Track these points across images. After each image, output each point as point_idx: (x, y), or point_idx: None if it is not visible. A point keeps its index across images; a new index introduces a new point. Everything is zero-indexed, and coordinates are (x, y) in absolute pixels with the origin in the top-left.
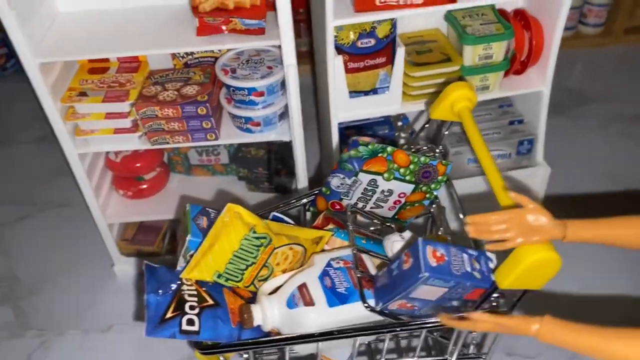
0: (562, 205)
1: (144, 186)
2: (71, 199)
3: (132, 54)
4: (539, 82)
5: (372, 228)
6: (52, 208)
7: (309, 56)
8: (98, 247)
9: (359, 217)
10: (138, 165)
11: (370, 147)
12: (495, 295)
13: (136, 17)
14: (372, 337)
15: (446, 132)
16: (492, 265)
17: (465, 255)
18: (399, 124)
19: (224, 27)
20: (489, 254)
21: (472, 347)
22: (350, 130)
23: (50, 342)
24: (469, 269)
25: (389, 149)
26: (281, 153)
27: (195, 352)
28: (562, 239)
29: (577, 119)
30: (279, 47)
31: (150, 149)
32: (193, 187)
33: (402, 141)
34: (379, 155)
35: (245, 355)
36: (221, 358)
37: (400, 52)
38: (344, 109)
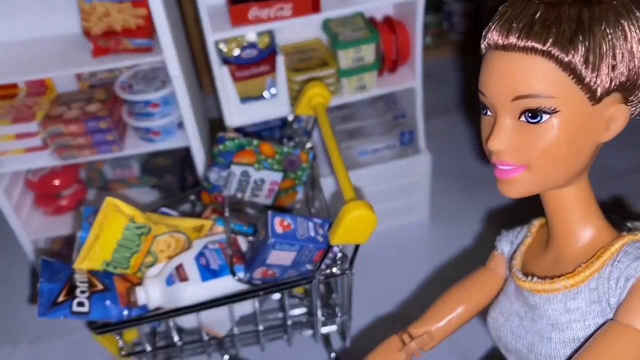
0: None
1: (64, 202)
2: None
3: (37, 77)
4: (410, 78)
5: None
6: None
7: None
8: (23, 265)
9: (250, 210)
10: (55, 182)
11: (236, 141)
12: (339, 255)
13: (37, 45)
14: (247, 306)
15: (313, 127)
16: None
17: (310, 223)
18: (295, 126)
19: (116, 48)
20: (332, 221)
21: (337, 307)
22: (252, 135)
23: None
24: (312, 234)
25: (255, 142)
26: (188, 161)
27: (92, 333)
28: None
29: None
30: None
31: (66, 167)
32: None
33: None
34: (247, 148)
35: (149, 348)
36: (119, 340)
37: (280, 60)
38: (237, 114)
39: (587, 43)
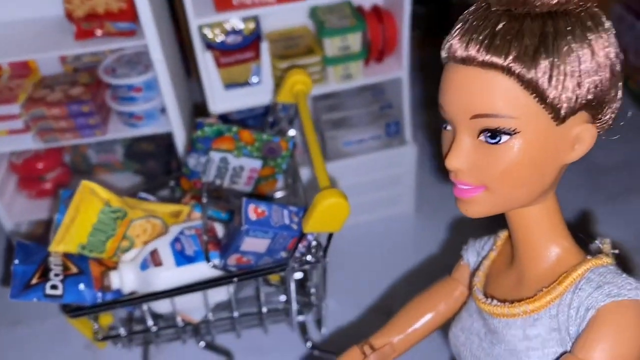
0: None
1: (47, 186)
2: None
3: (19, 59)
4: (397, 69)
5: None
6: None
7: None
8: (6, 249)
9: (229, 197)
10: (39, 166)
11: (215, 127)
12: (313, 244)
13: (19, 28)
14: (222, 293)
15: (295, 115)
16: None
17: (285, 211)
18: (281, 114)
19: (98, 31)
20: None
21: (312, 296)
22: (234, 122)
23: None
24: (287, 222)
25: (234, 128)
26: (170, 147)
27: (66, 317)
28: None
29: None
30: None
31: (50, 151)
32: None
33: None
34: (226, 134)
35: (123, 333)
36: (94, 324)
37: (265, 46)
38: (221, 100)
39: (550, 59)
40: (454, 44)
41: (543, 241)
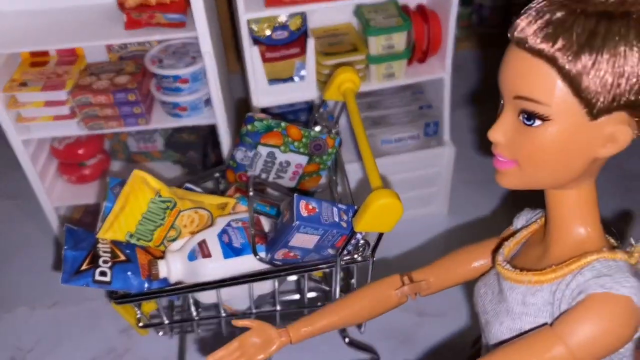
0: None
1: (87, 172)
2: (21, 192)
3: (69, 46)
4: (439, 69)
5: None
6: (2, 199)
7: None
8: (45, 231)
9: (271, 191)
10: (80, 152)
11: (265, 122)
12: (362, 242)
13: (70, 15)
14: (265, 286)
15: (340, 112)
16: None
17: (335, 209)
18: (320, 110)
19: (149, 21)
20: (356, 208)
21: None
22: (279, 117)
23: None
24: (337, 220)
25: (283, 124)
26: (212, 138)
27: (112, 303)
28: (290, 342)
29: None
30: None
31: (91, 137)
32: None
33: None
34: (275, 130)
35: (166, 321)
36: (138, 311)
37: (311, 43)
38: (264, 95)
39: (593, 56)
40: (514, 25)
41: (570, 224)
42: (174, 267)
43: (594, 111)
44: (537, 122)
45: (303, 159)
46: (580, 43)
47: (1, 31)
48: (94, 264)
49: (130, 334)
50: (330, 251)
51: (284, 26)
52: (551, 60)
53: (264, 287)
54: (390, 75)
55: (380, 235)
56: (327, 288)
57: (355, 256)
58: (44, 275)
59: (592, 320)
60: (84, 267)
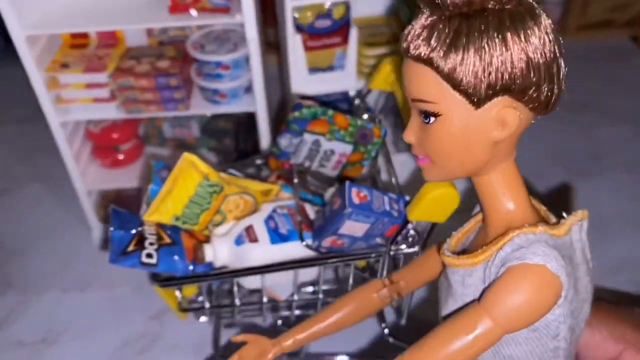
0: None
1: (121, 156)
2: (52, 175)
3: (112, 28)
4: None
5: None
6: (32, 182)
7: (277, 47)
8: (77, 215)
9: (311, 180)
10: (115, 135)
11: (312, 109)
12: (412, 233)
13: None
14: (310, 272)
15: (386, 102)
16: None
17: (385, 197)
18: (356, 101)
19: (193, 6)
20: (407, 197)
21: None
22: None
23: (30, 300)
24: (387, 208)
25: (330, 112)
26: (248, 126)
27: (154, 286)
28: (283, 351)
29: None
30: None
31: (127, 122)
32: (165, 159)
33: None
34: (321, 117)
35: (201, 298)
36: (178, 294)
37: (354, 33)
38: (303, 84)
39: (461, 53)
40: (401, 38)
41: (497, 206)
42: (220, 252)
43: (475, 100)
44: (432, 119)
45: (348, 148)
46: (447, 43)
47: (42, 12)
48: (141, 245)
49: (161, 320)
50: (378, 240)
51: (327, 14)
52: (428, 62)
53: (307, 274)
54: None
55: (433, 225)
56: (369, 277)
57: (404, 246)
58: (74, 260)
59: (511, 290)
60: (130, 248)
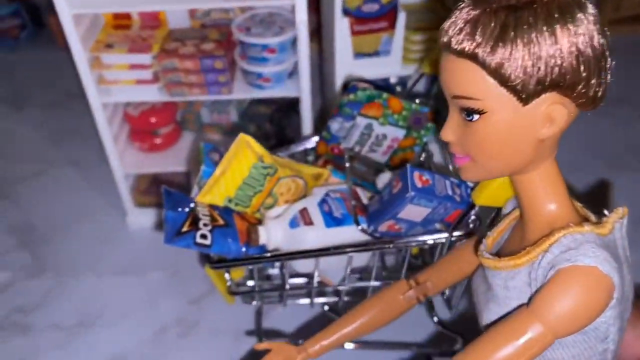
0: None
1: (159, 140)
2: (84, 159)
3: (157, 9)
4: None
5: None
6: (66, 166)
7: (317, 34)
8: (110, 199)
9: (357, 165)
10: (154, 119)
11: (367, 92)
12: (473, 217)
13: None
14: (361, 258)
15: (438, 87)
16: (470, 192)
17: (447, 182)
18: (398, 89)
19: None
20: (468, 183)
21: None
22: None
23: (65, 283)
24: (450, 193)
25: (384, 95)
26: (287, 112)
27: (205, 267)
28: (309, 357)
29: None
30: (292, 9)
31: (166, 106)
32: (196, 145)
33: None
34: (375, 100)
35: (250, 282)
36: (227, 277)
37: (402, 17)
38: (348, 69)
39: (509, 48)
40: (441, 34)
41: (538, 206)
42: (274, 234)
43: (523, 97)
44: (476, 117)
45: (400, 133)
46: (494, 37)
47: None
48: (195, 226)
49: (200, 305)
50: (437, 226)
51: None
52: (473, 57)
53: (359, 259)
54: None
55: (498, 210)
56: (421, 264)
57: (458, 232)
58: (108, 244)
59: (562, 294)
60: (185, 228)
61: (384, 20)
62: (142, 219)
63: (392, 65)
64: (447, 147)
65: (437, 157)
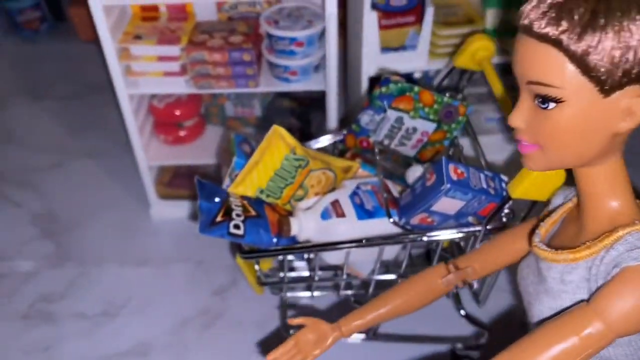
0: None
1: (183, 133)
2: (103, 150)
3: (186, 1)
4: None
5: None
6: (85, 157)
7: (342, 29)
8: (132, 191)
9: (384, 159)
10: (178, 112)
11: (399, 85)
12: (505, 211)
13: None
14: (391, 251)
15: (467, 81)
16: (504, 185)
17: (482, 175)
18: (424, 80)
19: None
20: (502, 176)
21: None
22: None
23: (89, 273)
24: (484, 186)
25: (416, 88)
26: (311, 106)
27: (237, 257)
28: (342, 337)
29: None
30: (321, 2)
31: (191, 98)
32: (226, 137)
33: None
34: (407, 93)
35: (280, 275)
36: (257, 268)
37: (430, 12)
38: (375, 63)
39: (597, 36)
40: (521, 13)
41: (601, 200)
42: (306, 225)
43: (605, 88)
44: (552, 105)
45: (431, 126)
46: (583, 23)
47: None
48: (228, 216)
49: (223, 296)
50: (470, 219)
51: None
52: (557, 43)
53: (389, 252)
54: (504, 51)
55: (533, 204)
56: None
57: (492, 225)
58: (131, 235)
59: (628, 294)
60: (218, 219)
61: (412, 14)
62: (166, 210)
63: (418, 59)
64: (512, 133)
65: (467, 151)
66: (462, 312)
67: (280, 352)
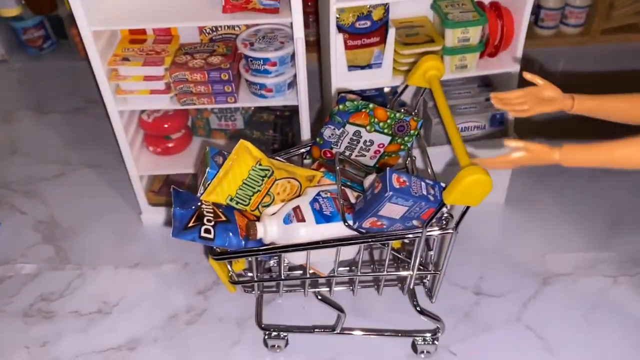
0: None
1: (171, 145)
2: (102, 161)
3: (170, 25)
4: (509, 63)
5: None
6: (86, 168)
7: (316, 45)
8: (127, 199)
9: (348, 168)
10: (166, 125)
11: (355, 103)
12: (446, 215)
13: None
14: (349, 252)
15: (421, 97)
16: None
17: (423, 183)
18: (390, 97)
19: (245, 6)
20: (442, 184)
21: (430, 265)
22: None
23: (87, 274)
24: (425, 193)
25: (371, 105)
26: (289, 118)
27: (209, 258)
28: (570, 109)
29: None
30: (290, 25)
31: (178, 113)
32: (203, 149)
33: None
34: (363, 110)
35: (250, 274)
36: (230, 268)
37: (392, 33)
38: (343, 80)
39: None
40: None
41: None
42: (270, 229)
43: None
44: None
45: (386, 139)
46: None
47: (105, 10)
48: (200, 222)
49: (207, 295)
50: (415, 222)
51: (367, 16)
52: None
53: (347, 253)
54: (462, 67)
55: (466, 209)
56: (403, 258)
57: (436, 228)
58: (125, 239)
59: None
60: (190, 224)
61: (376, 35)
62: (156, 216)
63: (383, 76)
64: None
65: (419, 162)
66: (418, 308)
67: (506, 95)
